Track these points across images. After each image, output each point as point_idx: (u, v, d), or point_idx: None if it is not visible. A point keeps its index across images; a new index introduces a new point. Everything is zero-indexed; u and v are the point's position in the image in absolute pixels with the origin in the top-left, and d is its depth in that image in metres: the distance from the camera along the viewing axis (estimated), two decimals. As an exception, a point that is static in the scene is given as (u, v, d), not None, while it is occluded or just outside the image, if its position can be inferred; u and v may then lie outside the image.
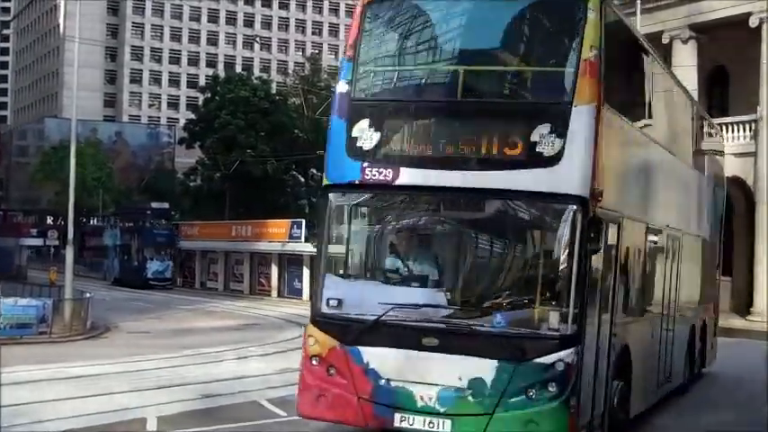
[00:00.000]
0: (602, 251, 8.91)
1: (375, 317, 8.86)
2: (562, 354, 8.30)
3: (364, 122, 9.19)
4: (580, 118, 8.56)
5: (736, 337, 24.71)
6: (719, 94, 33.74)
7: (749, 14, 29.65)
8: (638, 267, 11.14)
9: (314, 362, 9.15)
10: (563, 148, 8.48)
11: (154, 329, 26.05)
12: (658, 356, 12.33)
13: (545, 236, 8.96)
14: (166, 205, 59.09)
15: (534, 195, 8.63)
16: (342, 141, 9.29)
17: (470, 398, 8.48)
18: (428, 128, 9.28)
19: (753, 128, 29.95)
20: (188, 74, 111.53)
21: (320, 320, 9.27)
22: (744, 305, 30.06)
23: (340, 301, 9.21)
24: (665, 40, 31.22)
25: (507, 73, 9.60)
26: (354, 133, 9.20)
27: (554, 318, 8.41)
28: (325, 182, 9.48)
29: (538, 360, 8.34)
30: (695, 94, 27.40)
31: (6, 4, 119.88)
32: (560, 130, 8.53)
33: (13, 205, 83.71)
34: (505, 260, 9.21)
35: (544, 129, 8.56)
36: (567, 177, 8.48)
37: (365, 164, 9.10)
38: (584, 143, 8.54)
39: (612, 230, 9.38)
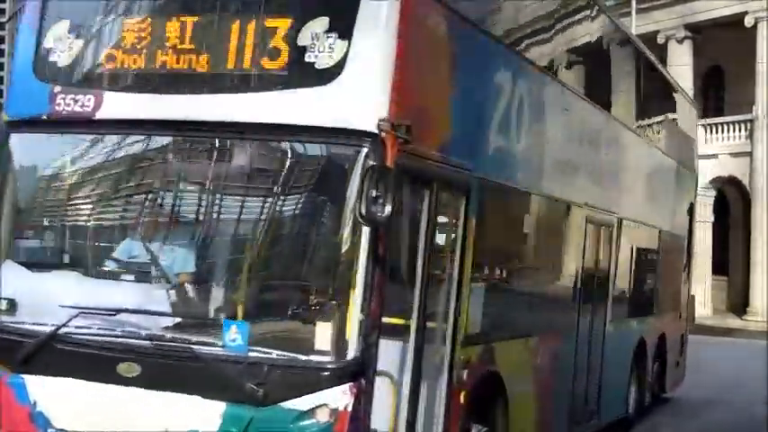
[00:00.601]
0: (426, 226, 5.73)
1: (53, 328, 5.54)
2: (329, 394, 5.02)
3: (62, 25, 6.07)
4: (373, 9, 5.37)
5: (734, 337, 24.82)
6: (715, 93, 33.80)
7: (744, 14, 29.67)
8: (521, 258, 8.01)
9: None
10: (345, 56, 5.31)
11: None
12: (571, 385, 8.95)
13: (316, 198, 5.64)
14: None
15: (302, 131, 5.38)
16: (29, 55, 6.13)
17: None
18: (148, 29, 5.86)
19: (748, 128, 29.97)
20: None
21: None
22: (740, 305, 30.11)
23: (13, 303, 5.88)
24: (660, 41, 31.22)
25: None
26: (48, 42, 6.04)
27: (322, 333, 5.11)
28: (3, 117, 6.25)
29: (287, 405, 5.06)
30: (691, 94, 27.33)
31: (1, 6, 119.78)
32: (342, 27, 5.38)
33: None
34: (256, 239, 5.74)
35: (318, 26, 5.43)
36: (347, 102, 5.29)
37: (57, 88, 5.90)
38: (378, 48, 5.34)
39: (452, 195, 6.20)
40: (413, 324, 5.74)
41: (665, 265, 12.99)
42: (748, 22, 29.63)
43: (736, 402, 13.76)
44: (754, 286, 28.98)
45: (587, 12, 9.70)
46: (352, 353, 5.08)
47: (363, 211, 4.94)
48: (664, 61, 27.79)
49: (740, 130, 30.25)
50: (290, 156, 5.65)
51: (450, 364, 6.22)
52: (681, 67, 29.40)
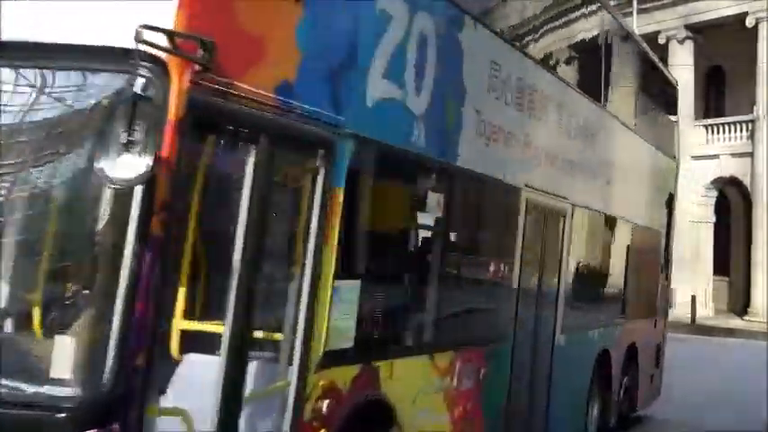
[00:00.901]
0: (249, 197, 3.90)
1: None
2: None
3: None
4: None
5: (735, 338, 24.81)
6: (716, 94, 33.76)
7: (746, 14, 29.63)
8: (426, 248, 6.04)
9: None
10: None
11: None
12: (505, 409, 7.14)
13: (70, 153, 3.73)
14: None
15: (57, 52, 3.60)
16: None
17: None
18: None
19: (749, 128, 29.95)
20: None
21: None
22: (741, 305, 30.09)
23: None
24: (661, 41, 31.18)
25: None
26: None
27: (60, 351, 3.41)
28: None
29: None
30: (692, 94, 27.35)
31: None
32: None
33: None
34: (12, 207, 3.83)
35: None
36: (113, 9, 3.61)
37: None
38: None
39: (301, 156, 4.43)
40: (225, 336, 3.89)
41: (638, 265, 10.99)
42: (749, 22, 29.59)
43: (730, 408, 13.59)
44: (755, 286, 28.95)
45: None
46: (105, 381, 3.34)
47: (107, 166, 3.22)
48: (665, 61, 27.77)
49: (741, 131, 30.21)
50: (37, 89, 3.76)
51: (298, 393, 4.34)
52: (682, 68, 29.35)
